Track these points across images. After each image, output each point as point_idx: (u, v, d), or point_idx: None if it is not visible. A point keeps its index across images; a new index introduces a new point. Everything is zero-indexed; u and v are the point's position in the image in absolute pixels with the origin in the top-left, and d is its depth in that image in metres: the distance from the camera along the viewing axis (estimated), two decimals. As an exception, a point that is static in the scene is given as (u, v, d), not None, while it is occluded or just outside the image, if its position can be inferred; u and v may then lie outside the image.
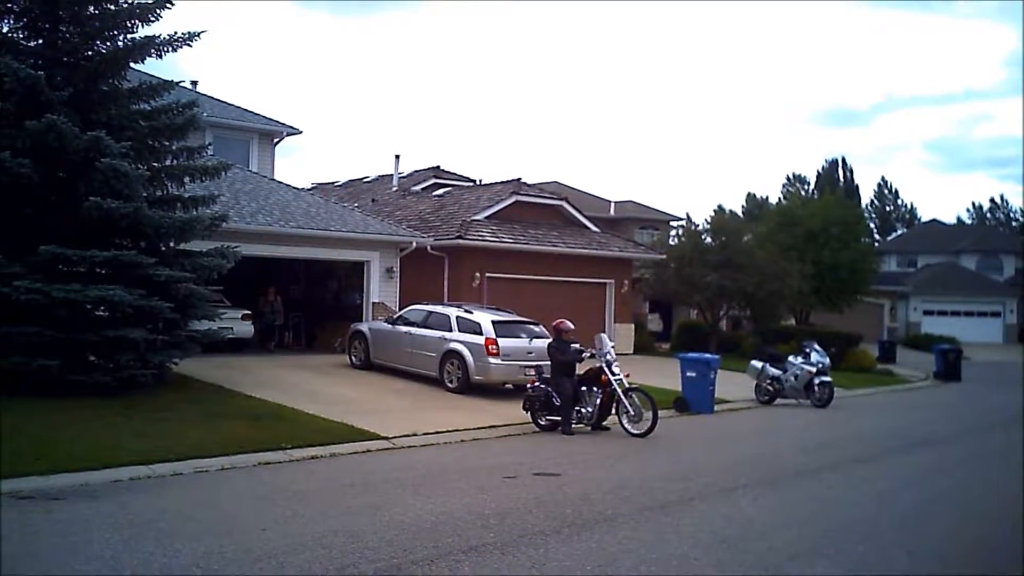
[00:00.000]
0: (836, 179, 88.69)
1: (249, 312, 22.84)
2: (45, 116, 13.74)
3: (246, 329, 22.46)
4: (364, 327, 21.46)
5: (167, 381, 15.81)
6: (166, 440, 11.62)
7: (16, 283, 13.34)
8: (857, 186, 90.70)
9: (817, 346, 22.30)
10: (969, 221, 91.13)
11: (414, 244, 24.60)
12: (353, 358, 21.22)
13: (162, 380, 15.59)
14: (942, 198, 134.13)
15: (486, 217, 27.78)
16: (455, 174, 38.06)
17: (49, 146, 14.03)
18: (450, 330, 18.90)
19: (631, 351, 29.79)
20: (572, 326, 16.04)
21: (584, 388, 15.33)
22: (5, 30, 15.29)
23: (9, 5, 15.19)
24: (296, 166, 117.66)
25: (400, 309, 22.27)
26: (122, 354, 14.53)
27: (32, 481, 9.40)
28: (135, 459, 10.58)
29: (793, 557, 8.05)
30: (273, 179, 26.60)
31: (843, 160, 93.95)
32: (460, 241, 25.56)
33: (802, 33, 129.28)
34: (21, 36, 15.45)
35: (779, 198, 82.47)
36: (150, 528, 7.88)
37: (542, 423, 15.29)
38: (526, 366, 17.67)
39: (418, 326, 19.77)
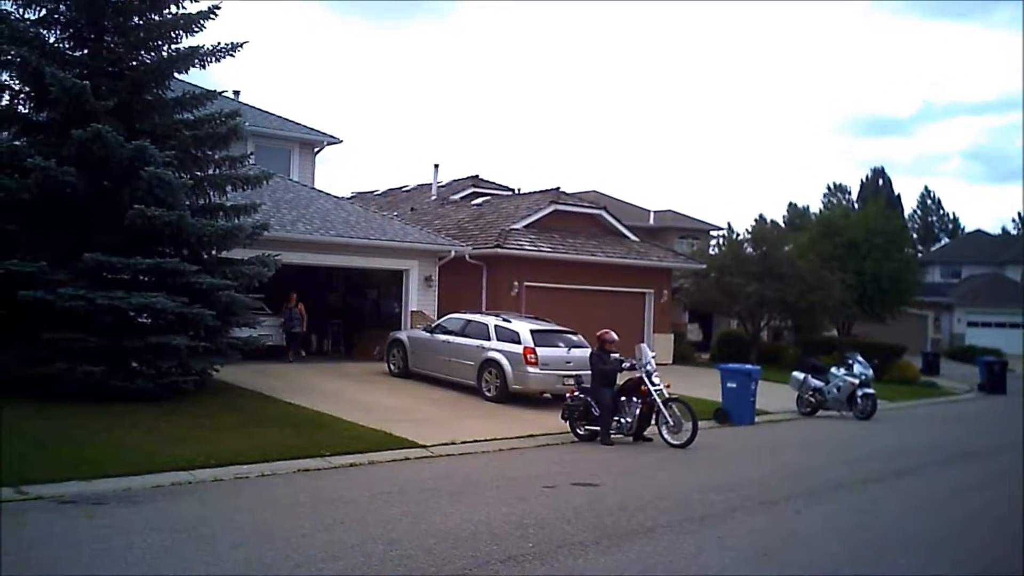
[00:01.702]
0: (878, 189, 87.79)
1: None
2: (90, 125, 13.94)
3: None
4: (403, 335, 21.50)
5: (208, 388, 15.93)
6: (207, 446, 11.69)
7: (60, 290, 13.52)
8: (899, 196, 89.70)
9: (860, 357, 22.05)
10: (1015, 232, 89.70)
11: (452, 253, 24.63)
12: (391, 366, 21.26)
13: (204, 387, 15.72)
14: (986, 208, 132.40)
15: (525, 226, 27.77)
16: (494, 183, 38.09)
17: (94, 155, 14.22)
18: (488, 339, 18.88)
19: (670, 361, 29.61)
20: (616, 337, 15.95)
21: (624, 398, 15.24)
22: (52, 40, 15.53)
23: (56, 16, 15.43)
24: (336, 175, 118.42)
25: (438, 318, 22.28)
26: (164, 361, 14.67)
27: (74, 486, 9.50)
28: (176, 465, 10.66)
29: (836, 570, 7.94)
30: (313, 188, 26.78)
31: (882, 170, 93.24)
32: (499, 250, 25.55)
33: (842, 42, 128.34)
34: (67, 46, 15.71)
35: (820, 208, 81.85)
36: (191, 534, 7.93)
37: (581, 433, 15.23)
38: (564, 376, 17.59)
39: (456, 335, 19.77)
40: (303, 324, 23.23)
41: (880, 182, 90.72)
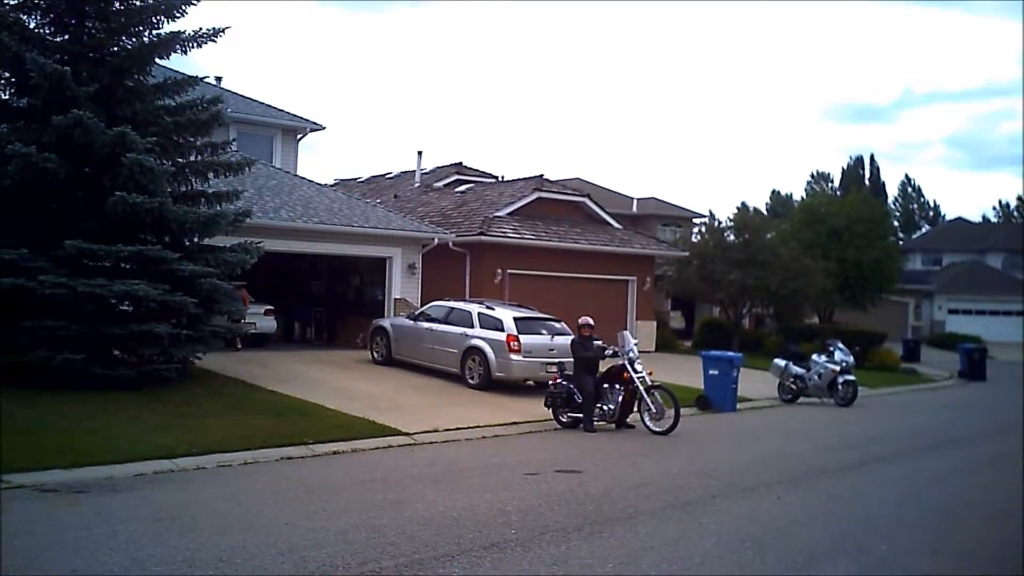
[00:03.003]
0: (860, 176, 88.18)
1: (272, 307, 22.86)
2: (71, 111, 13.84)
3: (269, 324, 22.54)
4: (386, 323, 21.48)
5: (191, 376, 15.89)
6: (190, 434, 11.68)
7: (41, 277, 13.44)
8: (884, 183, 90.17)
9: (841, 344, 22.17)
10: (995, 219, 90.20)
11: (436, 240, 24.61)
12: (375, 354, 21.25)
13: (186, 374, 15.67)
14: (967, 196, 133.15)
15: (508, 213, 27.77)
16: (477, 170, 38.07)
17: (75, 141, 14.13)
18: (472, 326, 18.90)
19: (653, 348, 29.72)
20: (591, 321, 15.99)
21: (606, 385, 15.29)
22: (32, 25, 15.38)
23: (36, 1, 15.29)
24: (319, 162, 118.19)
25: (422, 305, 22.28)
26: (146, 348, 14.64)
27: (57, 474, 9.47)
28: (159, 453, 10.64)
29: (815, 556, 7.99)
30: (296, 175, 26.68)
31: (872, 157, 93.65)
32: (482, 237, 25.55)
33: (823, 27, 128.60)
34: (47, 32, 15.56)
35: (803, 195, 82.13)
36: (174, 522, 7.92)
37: (564, 420, 15.27)
38: (548, 363, 17.61)
39: (440, 322, 19.77)
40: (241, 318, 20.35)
41: (863, 169, 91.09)
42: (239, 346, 21.32)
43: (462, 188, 33.04)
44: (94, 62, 15.45)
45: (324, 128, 29.61)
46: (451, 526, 8.18)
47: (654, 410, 14.96)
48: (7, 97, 15.70)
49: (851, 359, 21.97)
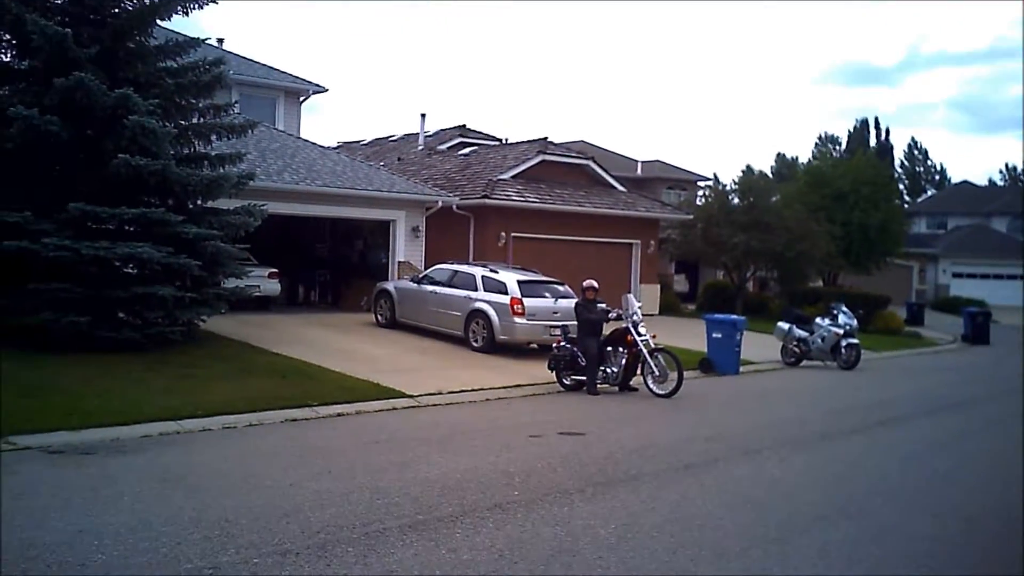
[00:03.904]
0: (867, 139, 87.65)
1: (276, 270, 22.85)
2: (73, 74, 13.76)
3: (273, 287, 22.54)
4: (390, 286, 21.49)
5: (195, 338, 15.92)
6: (195, 396, 11.72)
7: (45, 240, 13.44)
8: (891, 146, 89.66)
9: (845, 308, 22.15)
10: (1001, 183, 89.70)
11: (440, 203, 24.55)
12: (379, 317, 21.28)
13: (190, 337, 15.70)
14: (973, 159, 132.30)
15: (512, 176, 27.67)
16: (481, 133, 37.90)
17: (77, 104, 14.06)
18: (476, 289, 18.90)
19: (657, 312, 29.72)
20: (595, 285, 15.97)
21: (610, 348, 15.32)
22: (32, -13, 15.26)
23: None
24: (322, 124, 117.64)
25: (426, 268, 22.27)
26: (151, 311, 14.65)
27: (63, 436, 9.52)
28: (164, 415, 10.69)
29: (818, 519, 8.04)
30: (299, 137, 26.58)
31: (876, 120, 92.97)
32: (486, 200, 25.48)
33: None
34: (48, -7, 15.44)
35: (809, 158, 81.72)
36: (179, 483, 7.98)
37: (567, 383, 15.32)
38: (551, 326, 17.65)
39: (444, 285, 19.77)
40: None
41: (869, 132, 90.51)
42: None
43: (466, 151, 32.91)
44: (95, 24, 15.34)
45: (327, 90, 29.53)
46: (455, 487, 8.23)
47: (657, 373, 15.00)
48: (8, 59, 15.62)
49: (855, 322, 21.96)
